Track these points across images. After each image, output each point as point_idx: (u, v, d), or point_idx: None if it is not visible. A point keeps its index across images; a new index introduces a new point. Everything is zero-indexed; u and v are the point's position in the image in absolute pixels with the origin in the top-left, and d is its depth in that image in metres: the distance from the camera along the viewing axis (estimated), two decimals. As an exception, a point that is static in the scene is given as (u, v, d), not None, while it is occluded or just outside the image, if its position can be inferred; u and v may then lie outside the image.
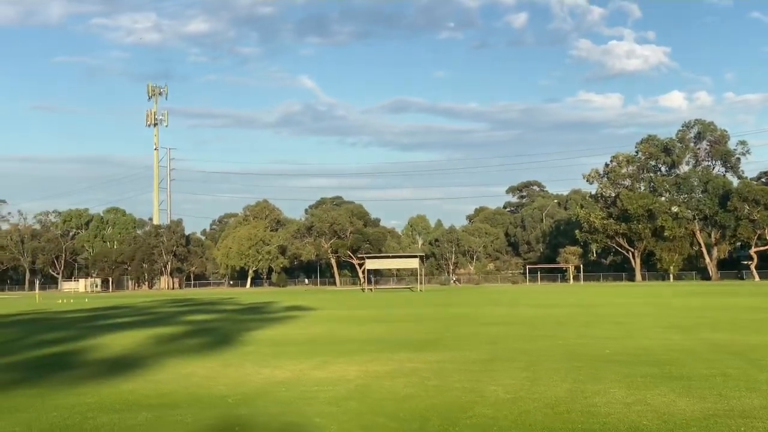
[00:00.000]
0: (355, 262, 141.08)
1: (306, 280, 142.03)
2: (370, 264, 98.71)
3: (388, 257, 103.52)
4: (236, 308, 47.99)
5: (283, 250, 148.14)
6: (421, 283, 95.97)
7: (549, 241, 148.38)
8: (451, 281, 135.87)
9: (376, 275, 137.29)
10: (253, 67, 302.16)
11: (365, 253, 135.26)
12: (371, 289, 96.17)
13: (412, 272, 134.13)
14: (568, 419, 10.42)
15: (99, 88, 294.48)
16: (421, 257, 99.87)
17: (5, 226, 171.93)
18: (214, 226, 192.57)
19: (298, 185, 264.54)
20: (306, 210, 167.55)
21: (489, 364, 16.51)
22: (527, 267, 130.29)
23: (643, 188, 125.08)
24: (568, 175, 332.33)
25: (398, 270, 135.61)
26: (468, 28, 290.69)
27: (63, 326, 33.47)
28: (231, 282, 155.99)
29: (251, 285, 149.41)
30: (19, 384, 15.03)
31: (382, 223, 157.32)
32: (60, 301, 76.16)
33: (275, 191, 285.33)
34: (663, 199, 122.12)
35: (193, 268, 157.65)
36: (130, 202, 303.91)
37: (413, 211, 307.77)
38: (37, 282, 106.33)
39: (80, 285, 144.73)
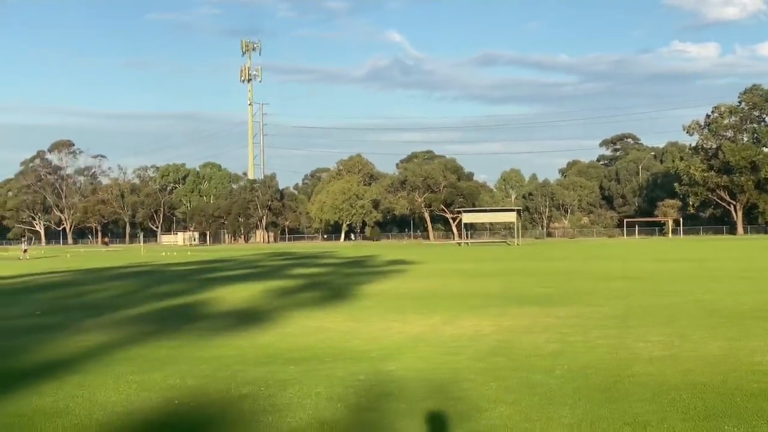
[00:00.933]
0: (449, 216, 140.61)
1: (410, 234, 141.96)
2: (467, 218, 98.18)
3: (485, 211, 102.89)
4: (339, 262, 48.15)
5: (376, 204, 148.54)
6: (517, 237, 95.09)
7: (645, 194, 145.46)
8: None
9: (470, 229, 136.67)
10: (341, 22, 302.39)
11: (459, 207, 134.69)
12: (467, 243, 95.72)
13: (506, 226, 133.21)
14: (736, 378, 9.90)
15: (190, 45, 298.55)
16: (518, 211, 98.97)
17: (106, 181, 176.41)
18: (306, 181, 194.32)
19: (388, 139, 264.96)
20: (397, 164, 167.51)
21: (625, 320, 15.98)
22: (625, 221, 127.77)
23: (746, 139, 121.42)
24: (663, 127, 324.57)
25: (491, 224, 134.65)
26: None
27: (176, 279, 33.97)
28: (325, 236, 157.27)
29: (345, 239, 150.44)
30: (157, 336, 15.12)
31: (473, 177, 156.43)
32: (163, 253, 77.77)
33: (365, 146, 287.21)
34: (767, 150, 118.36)
35: (288, 222, 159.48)
36: (222, 157, 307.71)
37: (502, 165, 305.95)
38: (141, 236, 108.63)
39: (178, 238, 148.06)
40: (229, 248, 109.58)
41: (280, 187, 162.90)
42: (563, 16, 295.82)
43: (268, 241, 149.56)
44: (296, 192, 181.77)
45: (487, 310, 18.23)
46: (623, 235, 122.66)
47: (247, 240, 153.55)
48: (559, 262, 42.11)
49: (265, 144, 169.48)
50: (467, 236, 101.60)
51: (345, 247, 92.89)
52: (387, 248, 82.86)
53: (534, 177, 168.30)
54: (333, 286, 27.37)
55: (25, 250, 75.66)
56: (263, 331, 15.45)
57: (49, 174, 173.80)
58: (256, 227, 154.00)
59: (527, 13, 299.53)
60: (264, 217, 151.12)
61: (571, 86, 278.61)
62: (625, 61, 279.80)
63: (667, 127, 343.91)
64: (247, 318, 17.96)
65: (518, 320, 16.31)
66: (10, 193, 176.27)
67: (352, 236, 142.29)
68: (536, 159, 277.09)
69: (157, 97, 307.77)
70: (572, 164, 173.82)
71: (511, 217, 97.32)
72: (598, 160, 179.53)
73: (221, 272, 38.73)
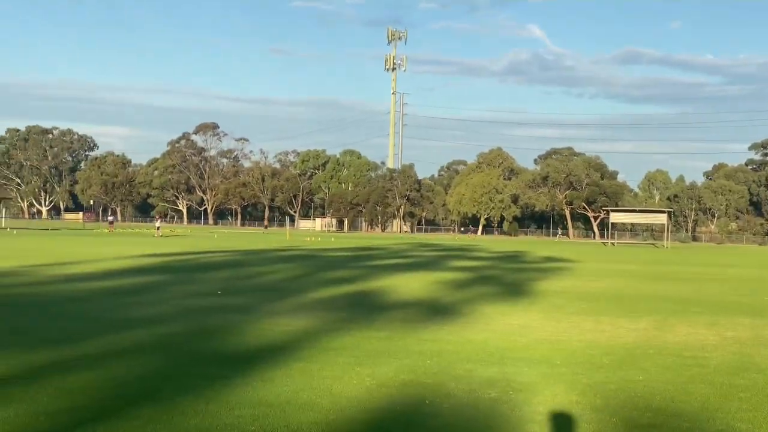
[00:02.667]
0: (590, 214, 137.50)
1: (559, 231, 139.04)
2: (614, 217, 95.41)
3: (634, 211, 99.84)
4: (492, 256, 47.14)
5: (515, 199, 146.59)
6: (666, 239, 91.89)
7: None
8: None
9: (611, 229, 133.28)
10: (483, 14, 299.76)
11: (602, 206, 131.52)
12: (613, 243, 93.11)
13: (647, 228, 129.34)
14: None
15: (332, 34, 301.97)
16: (669, 213, 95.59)
17: (247, 164, 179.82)
18: (441, 173, 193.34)
19: (524, 134, 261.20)
20: (535, 160, 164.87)
21: None
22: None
23: None
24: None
25: (632, 225, 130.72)
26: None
27: (338, 265, 33.62)
28: (461, 229, 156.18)
29: (482, 233, 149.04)
30: (355, 324, 14.57)
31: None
32: (307, 238, 78.32)
33: (500, 139, 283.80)
34: None
35: (425, 213, 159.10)
36: (360, 145, 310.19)
37: (640, 166, 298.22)
38: (288, 219, 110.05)
39: (316, 224, 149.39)
40: (368, 236, 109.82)
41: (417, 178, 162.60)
42: (710, 15, 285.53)
43: (405, 231, 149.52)
44: (432, 183, 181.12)
45: (695, 318, 17.00)
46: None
47: (383, 229, 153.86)
48: (733, 269, 39.95)
49: (403, 134, 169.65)
50: (609, 236, 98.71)
51: (485, 241, 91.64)
52: (531, 244, 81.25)
53: (681, 178, 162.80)
54: (505, 282, 26.46)
55: (159, 228, 78.22)
56: (466, 327, 14.70)
57: (194, 155, 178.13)
58: (393, 216, 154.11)
59: (673, 11, 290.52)
60: (402, 207, 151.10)
61: (713, 87, 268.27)
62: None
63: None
64: (437, 310, 17.28)
65: (738, 331, 15.06)
66: (156, 172, 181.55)
67: (479, 231, 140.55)
68: (674, 160, 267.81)
69: (299, 84, 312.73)
70: (718, 167, 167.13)
71: (661, 218, 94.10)
72: (747, 164, 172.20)
73: (378, 260, 38.31)
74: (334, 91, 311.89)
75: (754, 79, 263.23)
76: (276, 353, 11.28)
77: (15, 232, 71.57)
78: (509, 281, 26.78)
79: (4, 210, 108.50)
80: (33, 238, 58.11)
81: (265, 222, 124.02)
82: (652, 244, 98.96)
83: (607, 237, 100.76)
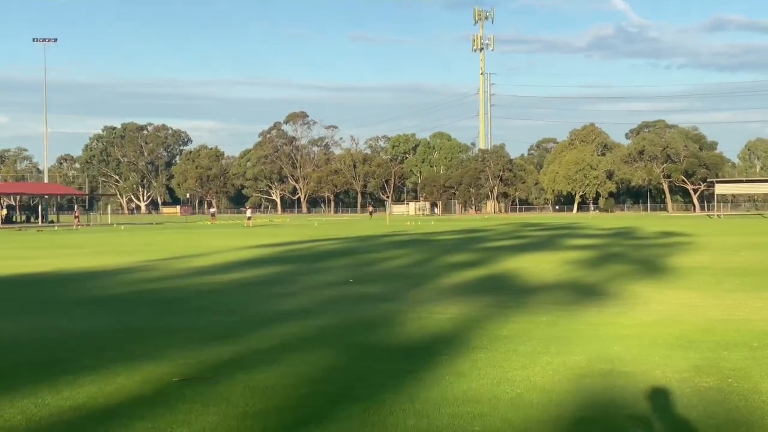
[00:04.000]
0: (690, 187, 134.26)
1: (591, 208, 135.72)
2: (721, 189, 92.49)
3: (741, 182, 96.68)
4: (604, 233, 45.92)
5: (609, 175, 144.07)
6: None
7: None
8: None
9: (710, 201, 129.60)
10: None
11: (701, 178, 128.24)
12: (719, 215, 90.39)
13: (750, 198, 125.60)
14: None
15: (410, 18, 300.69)
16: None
17: (338, 152, 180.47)
18: (531, 151, 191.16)
19: (613, 109, 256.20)
20: (626, 134, 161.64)
21: None
22: None
23: None
24: None
25: (733, 196, 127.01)
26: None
27: (454, 248, 33.06)
28: (556, 207, 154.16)
29: (578, 210, 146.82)
30: (510, 309, 13.96)
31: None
32: (408, 223, 77.97)
33: (589, 116, 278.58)
34: None
35: (518, 192, 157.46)
36: (447, 128, 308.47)
37: (735, 135, 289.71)
38: (388, 204, 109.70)
39: (410, 208, 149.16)
40: (465, 218, 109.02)
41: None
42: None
43: (500, 212, 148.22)
44: (523, 162, 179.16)
45: None
46: None
47: (477, 210, 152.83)
48: None
49: (492, 114, 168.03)
50: (715, 208, 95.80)
51: (584, 219, 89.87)
52: (634, 220, 79.33)
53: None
54: (635, 259, 25.53)
55: (249, 218, 79.82)
56: (627, 308, 13.98)
57: (285, 145, 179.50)
58: (487, 197, 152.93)
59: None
60: (495, 188, 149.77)
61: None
62: None
63: None
64: (585, 292, 16.60)
65: None
66: (249, 163, 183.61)
67: (592, 208, 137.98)
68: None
69: (381, 70, 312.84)
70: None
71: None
72: None
73: (491, 242, 37.65)
74: (417, 75, 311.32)
75: None
76: (448, 343, 10.73)
77: (122, 227, 72.91)
78: (639, 258, 25.84)
79: (109, 207, 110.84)
80: (143, 232, 59.04)
81: (370, 208, 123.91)
82: (760, 214, 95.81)
83: (713, 209, 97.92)
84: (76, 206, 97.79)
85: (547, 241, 38.30)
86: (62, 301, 16.38)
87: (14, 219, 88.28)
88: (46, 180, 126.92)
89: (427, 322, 12.70)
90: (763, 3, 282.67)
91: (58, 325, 12.97)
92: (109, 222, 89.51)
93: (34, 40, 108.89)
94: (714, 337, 10.99)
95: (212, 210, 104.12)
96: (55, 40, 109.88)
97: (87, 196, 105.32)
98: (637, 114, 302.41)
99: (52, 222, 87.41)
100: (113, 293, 17.80)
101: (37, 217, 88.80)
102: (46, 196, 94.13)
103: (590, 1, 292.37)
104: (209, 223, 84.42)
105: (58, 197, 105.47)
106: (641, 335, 11.16)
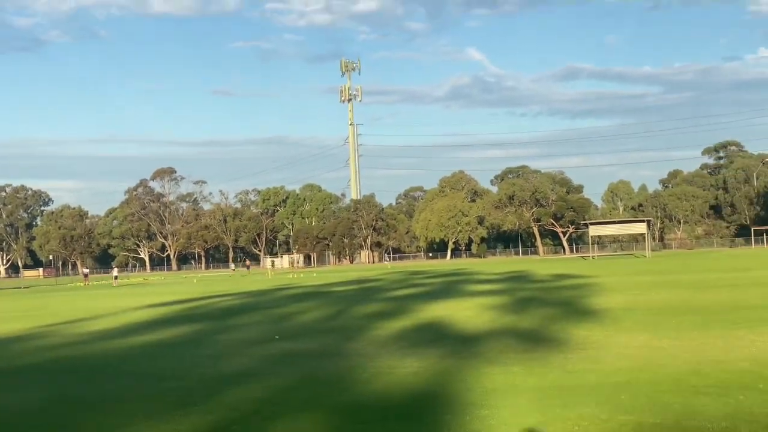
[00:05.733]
0: (559, 230, 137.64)
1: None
2: (594, 230, 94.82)
3: (613, 223, 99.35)
4: (500, 277, 45.92)
5: (481, 221, 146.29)
6: (648, 248, 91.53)
7: (764, 202, 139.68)
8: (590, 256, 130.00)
9: (580, 243, 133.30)
10: (422, 42, 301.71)
11: (570, 221, 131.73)
12: (593, 257, 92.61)
13: (615, 239, 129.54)
14: None
15: (273, 71, 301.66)
16: (648, 221, 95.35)
17: (207, 207, 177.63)
18: (399, 200, 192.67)
19: (475, 157, 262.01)
20: (491, 181, 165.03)
21: None
22: (752, 229, 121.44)
23: None
24: (764, 134, 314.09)
25: (599, 238, 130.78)
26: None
27: (357, 299, 32.20)
28: (429, 254, 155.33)
29: (451, 256, 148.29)
30: (471, 359, 13.30)
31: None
32: (290, 275, 76.78)
33: (452, 164, 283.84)
34: None
35: (391, 241, 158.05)
36: (314, 180, 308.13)
37: (590, 179, 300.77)
38: (269, 260, 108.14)
39: (284, 261, 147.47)
40: (343, 268, 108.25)
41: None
42: (645, 27, 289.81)
43: (373, 261, 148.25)
44: (393, 211, 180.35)
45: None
46: (748, 245, 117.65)
47: (352, 261, 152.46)
48: (749, 272, 39.28)
49: (360, 165, 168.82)
50: (591, 250, 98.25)
51: (467, 264, 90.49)
52: (514, 263, 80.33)
53: (644, 187, 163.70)
54: (556, 302, 25.28)
55: (116, 277, 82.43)
56: (593, 354, 13.55)
57: (153, 201, 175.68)
58: (361, 247, 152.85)
59: (609, 26, 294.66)
60: (369, 237, 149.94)
61: (654, 97, 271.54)
62: (711, 69, 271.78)
63: (766, 133, 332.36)
64: (533, 338, 16.10)
65: None
66: (115, 222, 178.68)
67: (465, 254, 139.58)
68: (623, 171, 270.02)
69: (246, 123, 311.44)
70: (674, 174, 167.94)
71: (641, 228, 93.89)
72: (702, 169, 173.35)
73: (391, 291, 37.05)
74: (282, 128, 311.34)
75: (691, 86, 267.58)
76: (440, 401, 9.99)
77: (-11, 293, 69.06)
78: (557, 300, 25.67)
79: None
80: (14, 297, 55.83)
81: (247, 262, 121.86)
82: (631, 254, 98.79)
83: (584, 251, 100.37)
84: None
85: (447, 288, 37.90)
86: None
87: None
88: None
89: (395, 378, 11.96)
90: (610, 52, 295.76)
91: (-11, 403, 11.57)
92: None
93: None
94: (709, 380, 10.57)
95: (85, 270, 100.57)
96: None
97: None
98: (498, 161, 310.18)
99: None
100: (23, 363, 16.28)
101: None
102: None
103: (447, 53, 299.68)
104: (82, 284, 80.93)
105: None
106: (634, 382, 10.65)
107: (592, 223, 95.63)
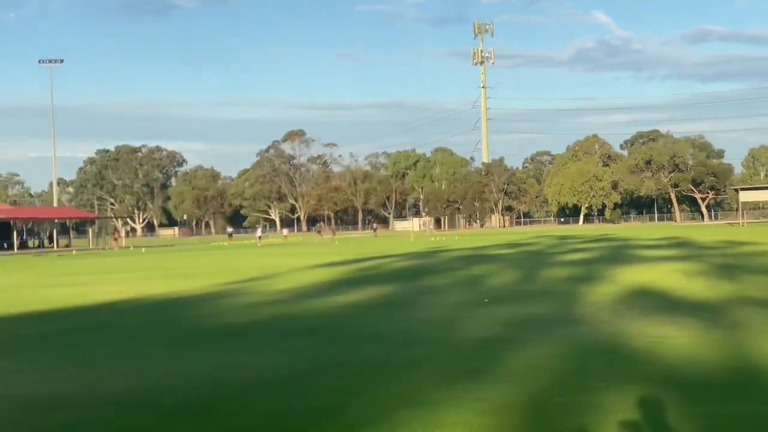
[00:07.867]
0: (698, 196, 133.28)
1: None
2: (744, 196, 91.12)
3: (766, 189, 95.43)
4: (661, 244, 44.22)
5: (614, 186, 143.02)
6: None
7: None
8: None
9: (719, 209, 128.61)
10: (546, 5, 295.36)
11: (710, 187, 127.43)
12: (742, 224, 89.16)
13: (756, 206, 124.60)
14: None
15: (395, 34, 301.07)
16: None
17: (337, 169, 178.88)
18: (526, 165, 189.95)
19: (602, 121, 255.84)
20: (621, 145, 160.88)
21: None
22: None
23: None
24: None
25: (741, 204, 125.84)
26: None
27: (532, 263, 31.36)
28: (561, 219, 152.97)
29: (584, 222, 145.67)
30: (740, 327, 12.30)
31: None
32: (432, 239, 76.37)
33: (580, 127, 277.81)
34: None
35: (522, 206, 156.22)
36: (440, 143, 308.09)
37: (720, 144, 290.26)
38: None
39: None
40: (476, 233, 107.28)
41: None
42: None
43: (504, 225, 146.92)
44: (523, 176, 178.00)
45: None
46: None
47: (482, 225, 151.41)
48: None
49: (488, 128, 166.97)
50: (716, 217, 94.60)
51: (611, 229, 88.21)
52: (660, 229, 77.87)
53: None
54: (761, 270, 23.89)
55: (260, 237, 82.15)
56: None
57: (284, 163, 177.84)
58: (492, 211, 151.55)
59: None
60: (500, 201, 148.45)
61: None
62: None
63: None
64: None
65: None
66: (247, 183, 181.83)
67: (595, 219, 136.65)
68: (755, 136, 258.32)
69: (367, 88, 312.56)
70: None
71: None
72: None
73: (560, 255, 36.07)
74: (401, 91, 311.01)
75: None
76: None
77: (143, 250, 70.84)
78: (765, 268, 24.30)
79: (103, 230, 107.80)
80: (172, 254, 56.87)
81: (375, 225, 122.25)
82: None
83: (723, 218, 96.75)
84: (116, 228, 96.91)
85: (616, 253, 36.63)
86: (204, 331, 14.55)
87: (29, 244, 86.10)
88: (55, 204, 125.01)
89: (681, 349, 11.00)
90: (743, 14, 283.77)
91: (254, 363, 11.17)
92: (124, 245, 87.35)
93: (40, 62, 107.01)
94: None
95: (230, 230, 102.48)
96: (62, 61, 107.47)
97: (97, 220, 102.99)
98: (624, 125, 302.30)
99: (68, 246, 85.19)
100: (243, 321, 16.00)
101: (51, 242, 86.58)
102: (56, 221, 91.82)
103: (572, 15, 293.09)
104: (227, 243, 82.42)
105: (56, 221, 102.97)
106: None
107: (743, 189, 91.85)
